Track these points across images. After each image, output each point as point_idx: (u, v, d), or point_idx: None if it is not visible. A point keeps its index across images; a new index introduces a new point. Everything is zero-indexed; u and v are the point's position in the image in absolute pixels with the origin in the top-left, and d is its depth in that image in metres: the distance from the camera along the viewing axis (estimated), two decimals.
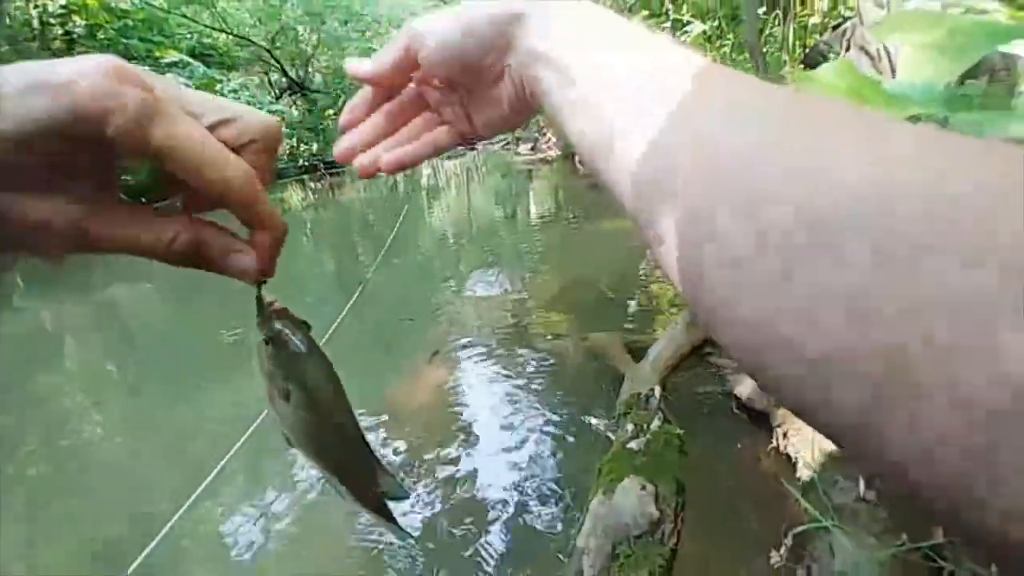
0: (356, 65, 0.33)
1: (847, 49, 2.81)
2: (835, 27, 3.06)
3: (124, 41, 9.10)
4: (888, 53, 2.14)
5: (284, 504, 1.86)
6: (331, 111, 14.90)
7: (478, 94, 0.33)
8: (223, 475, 1.81)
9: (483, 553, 1.55)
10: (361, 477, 0.34)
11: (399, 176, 12.42)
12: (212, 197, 0.24)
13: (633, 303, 3.00)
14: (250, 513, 1.84)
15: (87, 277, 5.54)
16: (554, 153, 10.40)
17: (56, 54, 8.54)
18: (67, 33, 8.58)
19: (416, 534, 1.64)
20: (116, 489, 2.10)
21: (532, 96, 0.30)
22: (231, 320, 3.48)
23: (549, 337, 2.74)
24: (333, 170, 13.58)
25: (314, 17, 13.89)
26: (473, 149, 16.10)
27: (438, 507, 1.74)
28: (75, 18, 8.46)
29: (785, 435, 1.50)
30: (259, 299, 0.30)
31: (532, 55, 0.28)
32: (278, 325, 0.30)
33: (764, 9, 4.36)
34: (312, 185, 11.62)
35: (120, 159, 0.24)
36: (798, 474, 1.40)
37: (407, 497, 0.31)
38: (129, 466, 2.27)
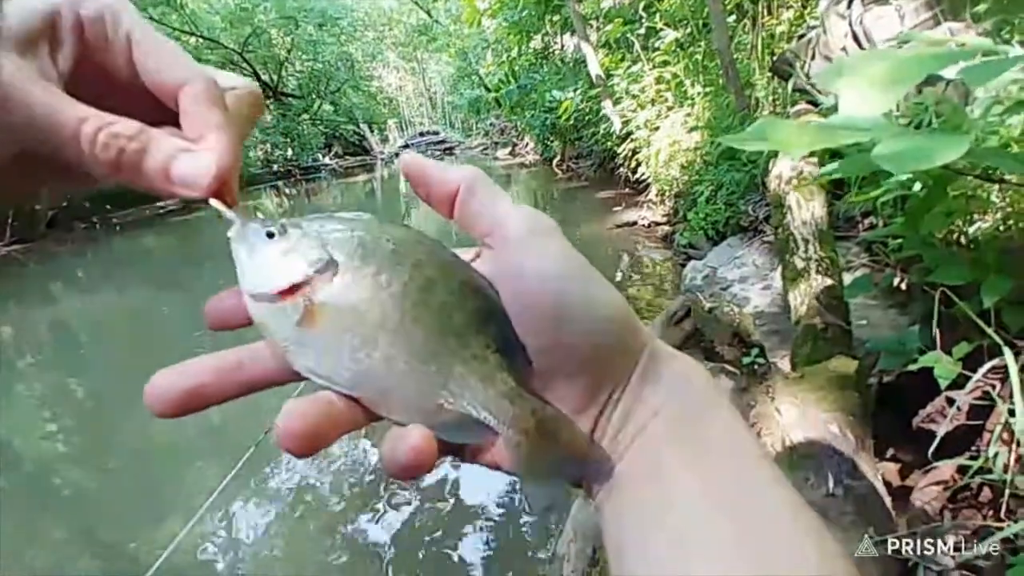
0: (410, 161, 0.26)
1: (812, 57, 2.91)
2: (800, 36, 3.16)
3: None
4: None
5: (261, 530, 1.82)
6: (305, 116, 14.69)
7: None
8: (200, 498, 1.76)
9: (465, 559, 1.55)
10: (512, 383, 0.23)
11: (375, 182, 12.32)
12: (166, 92, 0.23)
13: None
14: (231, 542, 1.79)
15: (44, 287, 5.34)
16: (532, 157, 10.46)
17: None
18: None
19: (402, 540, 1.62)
20: (90, 519, 2.03)
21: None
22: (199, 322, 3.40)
23: None
24: (308, 175, 13.40)
25: (288, 21, 13.70)
26: (451, 153, 16.10)
27: (421, 514, 1.73)
28: None
29: (758, 435, 1.54)
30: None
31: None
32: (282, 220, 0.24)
33: (733, 17, 4.47)
34: (287, 191, 11.43)
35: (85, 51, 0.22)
36: None
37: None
38: (102, 491, 2.19)
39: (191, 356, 0.22)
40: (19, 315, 4.55)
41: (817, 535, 0.20)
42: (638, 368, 0.24)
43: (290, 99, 14.91)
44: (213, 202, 0.23)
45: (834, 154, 1.66)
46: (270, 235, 0.23)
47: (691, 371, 0.25)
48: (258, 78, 14.25)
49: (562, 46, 8.95)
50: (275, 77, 14.67)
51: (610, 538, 0.23)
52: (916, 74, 0.73)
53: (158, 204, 10.18)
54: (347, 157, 15.93)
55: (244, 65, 13.59)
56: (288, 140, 13.77)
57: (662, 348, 0.25)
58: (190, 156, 0.22)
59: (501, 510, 1.72)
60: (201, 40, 12.33)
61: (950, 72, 0.79)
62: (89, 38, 0.22)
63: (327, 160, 14.83)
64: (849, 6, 2.46)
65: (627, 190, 5.47)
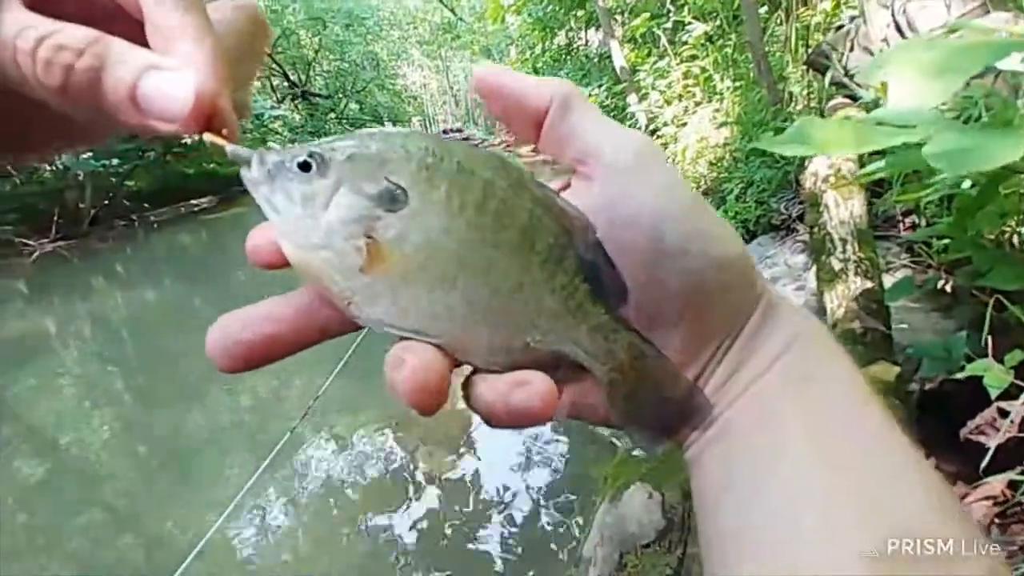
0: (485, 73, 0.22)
1: (851, 49, 2.80)
2: (838, 28, 3.04)
3: None
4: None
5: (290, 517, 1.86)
6: (332, 115, 14.94)
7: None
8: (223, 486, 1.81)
9: (489, 557, 1.55)
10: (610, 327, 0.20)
11: None
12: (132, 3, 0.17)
13: None
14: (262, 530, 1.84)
15: (87, 282, 5.57)
16: None
17: None
18: None
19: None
20: (130, 506, 2.11)
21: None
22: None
23: None
24: None
25: (315, 21, 13.93)
26: None
27: (446, 512, 1.74)
28: None
29: None
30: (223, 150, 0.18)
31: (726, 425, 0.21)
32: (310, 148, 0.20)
33: (766, 8, 4.34)
34: None
35: None
36: None
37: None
38: (140, 479, 2.27)
39: None
40: (64, 309, 4.76)
41: (942, 510, 0.19)
42: (754, 316, 0.22)
43: (317, 99, 15.17)
44: (208, 137, 0.18)
45: (875, 150, 1.59)
46: (304, 167, 0.19)
47: (811, 323, 0.23)
48: (287, 78, 14.56)
49: (586, 42, 8.85)
50: (303, 77, 14.94)
51: (710, 485, 0.22)
52: (970, 65, 0.69)
53: (192, 202, 10.54)
54: None
55: (274, 66, 13.89)
56: (316, 139, 14.05)
57: (780, 299, 0.23)
58: (161, 74, 0.16)
59: (525, 509, 1.71)
60: None
61: (1004, 64, 0.74)
62: None
63: None
64: None
65: None
